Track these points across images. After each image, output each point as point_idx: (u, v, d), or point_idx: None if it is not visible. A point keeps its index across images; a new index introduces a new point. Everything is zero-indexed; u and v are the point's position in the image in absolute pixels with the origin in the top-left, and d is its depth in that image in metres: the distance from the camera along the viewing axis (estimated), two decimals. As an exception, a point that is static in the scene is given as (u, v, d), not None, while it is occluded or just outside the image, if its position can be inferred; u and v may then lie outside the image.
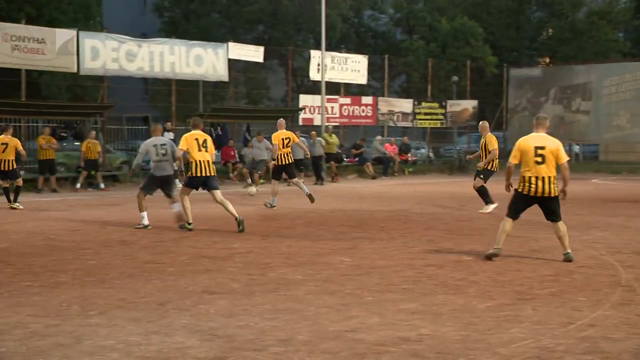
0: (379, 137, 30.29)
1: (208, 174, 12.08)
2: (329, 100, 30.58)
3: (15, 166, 16.49)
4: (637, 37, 44.03)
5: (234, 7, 39.70)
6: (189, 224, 12.05)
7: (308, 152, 18.91)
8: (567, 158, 9.12)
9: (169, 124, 24.15)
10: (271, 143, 16.82)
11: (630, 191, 21.47)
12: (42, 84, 28.83)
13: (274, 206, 15.88)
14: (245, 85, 35.56)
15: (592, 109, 34.46)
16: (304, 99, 31.02)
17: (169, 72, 26.26)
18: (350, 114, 32.11)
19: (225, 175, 24.99)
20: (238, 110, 28.95)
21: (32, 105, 23.36)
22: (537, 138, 9.11)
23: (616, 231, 12.14)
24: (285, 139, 15.99)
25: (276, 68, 38.34)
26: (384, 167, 29.04)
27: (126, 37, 25.51)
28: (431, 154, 36.22)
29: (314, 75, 30.83)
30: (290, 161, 16.17)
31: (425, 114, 34.10)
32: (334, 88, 32.06)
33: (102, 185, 21.88)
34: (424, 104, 34.31)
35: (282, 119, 16.76)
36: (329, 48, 32.57)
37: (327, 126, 28.46)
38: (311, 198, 15.92)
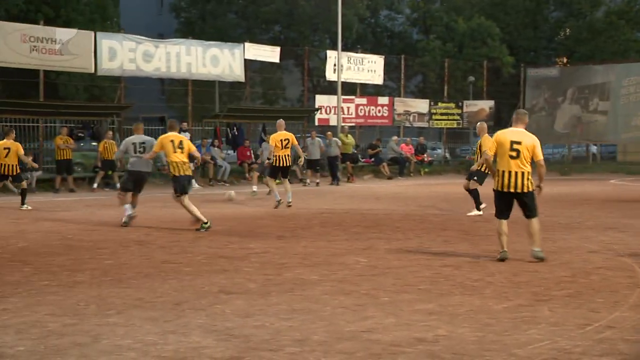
0: (395, 138, 30.27)
1: (188, 174, 12.46)
2: (345, 101, 30.57)
3: (18, 171, 16.50)
4: (657, 37, 43.71)
5: (251, 8, 39.77)
6: (205, 223, 12.05)
7: (302, 156, 18.75)
8: (542, 157, 9.10)
9: (185, 124, 24.23)
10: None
11: (649, 192, 21.32)
12: (60, 84, 29.01)
13: (280, 200, 15.77)
14: (261, 85, 35.60)
15: (610, 109, 34.20)
16: (320, 99, 31.04)
17: (186, 72, 26.35)
18: (366, 114, 32.09)
19: (241, 175, 25.06)
20: (254, 111, 29.01)
21: (50, 106, 23.52)
22: (515, 133, 9.13)
23: (634, 232, 12.02)
24: (284, 140, 15.93)
25: (292, 68, 38.37)
26: (400, 167, 29.01)
27: (143, 37, 25.63)
28: (447, 155, 36.14)
29: (330, 75, 30.83)
30: (289, 163, 16.15)
31: (442, 114, 34.03)
32: (350, 88, 32.06)
33: (119, 185, 21.95)
34: (440, 104, 34.24)
35: (281, 119, 16.68)
36: (345, 48, 32.58)
37: (343, 126, 28.46)
38: (278, 204, 15.75)
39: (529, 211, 9.10)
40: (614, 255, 9.60)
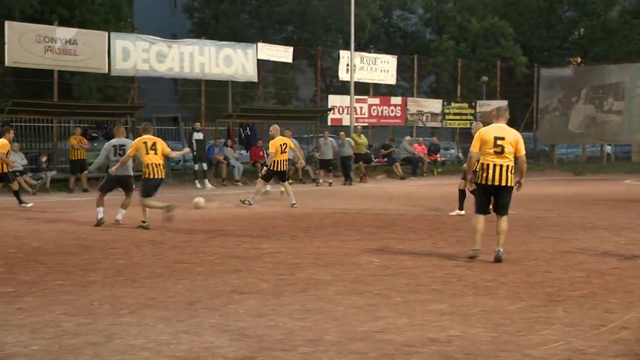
0: (407, 138, 30.21)
1: (161, 176, 12.85)
2: (357, 101, 30.53)
3: (6, 170, 16.16)
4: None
5: (264, 8, 39.81)
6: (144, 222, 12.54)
7: (302, 159, 18.80)
8: (524, 152, 9.15)
9: (197, 124, 24.29)
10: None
11: (664, 192, 21.17)
12: (74, 84, 29.14)
13: (252, 204, 16.03)
14: (274, 85, 35.62)
15: (624, 109, 34.02)
16: (333, 99, 31.03)
17: (199, 72, 26.41)
18: (379, 114, 32.04)
19: (254, 175, 25.07)
20: (267, 111, 29.02)
21: (64, 106, 23.63)
22: (498, 129, 9.16)
23: (649, 233, 11.95)
24: (283, 144, 16.29)
25: (305, 68, 38.36)
26: (413, 167, 28.95)
27: (156, 37, 25.70)
28: (460, 155, 36.03)
29: (343, 75, 30.81)
30: (285, 168, 16.57)
31: (455, 114, 33.94)
32: (362, 88, 32.00)
33: (133, 185, 22.01)
34: (453, 104, 34.15)
35: (276, 125, 17.08)
36: (358, 48, 32.52)
37: (355, 126, 28.42)
38: (244, 203, 16.04)
39: (503, 208, 9.16)
40: (628, 256, 9.55)
